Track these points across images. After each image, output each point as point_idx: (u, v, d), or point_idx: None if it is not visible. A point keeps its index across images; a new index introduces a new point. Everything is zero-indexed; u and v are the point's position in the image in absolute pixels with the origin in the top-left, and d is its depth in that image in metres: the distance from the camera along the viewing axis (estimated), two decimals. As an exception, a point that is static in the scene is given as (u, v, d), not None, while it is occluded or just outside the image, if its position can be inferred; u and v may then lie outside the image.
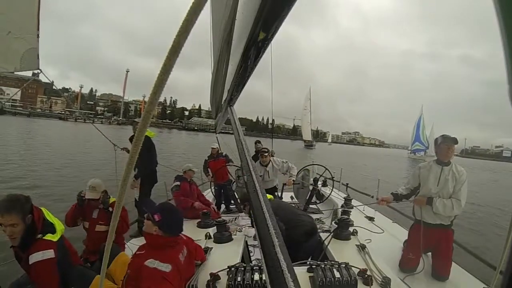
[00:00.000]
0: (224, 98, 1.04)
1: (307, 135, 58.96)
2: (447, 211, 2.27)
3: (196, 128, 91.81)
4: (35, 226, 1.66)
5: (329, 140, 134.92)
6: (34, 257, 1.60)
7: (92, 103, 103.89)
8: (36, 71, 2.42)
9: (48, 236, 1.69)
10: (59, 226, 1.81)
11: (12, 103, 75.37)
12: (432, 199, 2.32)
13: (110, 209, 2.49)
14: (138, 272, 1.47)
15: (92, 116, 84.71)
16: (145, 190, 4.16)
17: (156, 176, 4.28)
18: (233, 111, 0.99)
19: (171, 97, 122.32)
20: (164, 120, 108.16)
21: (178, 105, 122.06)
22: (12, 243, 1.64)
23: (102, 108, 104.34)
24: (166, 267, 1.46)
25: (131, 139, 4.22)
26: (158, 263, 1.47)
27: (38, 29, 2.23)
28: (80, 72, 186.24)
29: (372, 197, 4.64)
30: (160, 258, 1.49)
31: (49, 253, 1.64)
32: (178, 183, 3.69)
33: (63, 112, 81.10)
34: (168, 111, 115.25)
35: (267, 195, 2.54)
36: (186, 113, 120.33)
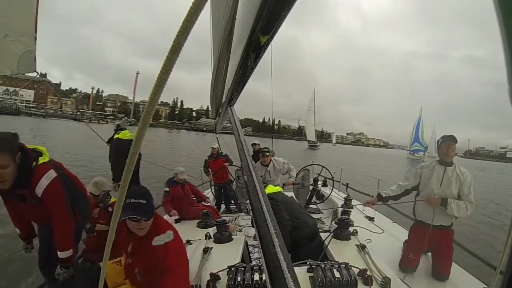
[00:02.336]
0: (224, 97, 1.04)
1: (311, 136, 59.22)
2: (461, 213, 2.24)
3: (204, 129, 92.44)
4: (28, 156, 1.55)
5: (334, 141, 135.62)
6: (42, 184, 1.54)
7: (101, 104, 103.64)
8: (34, 73, 2.40)
9: (41, 160, 1.62)
10: (40, 147, 1.72)
11: (26, 104, 75.54)
12: (447, 200, 2.27)
13: (110, 209, 2.49)
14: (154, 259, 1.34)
15: (103, 116, 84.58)
16: None
17: (137, 177, 4.19)
18: (233, 111, 0.98)
19: (177, 98, 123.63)
20: (172, 121, 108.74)
21: (185, 107, 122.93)
22: (0, 187, 1.50)
23: (111, 109, 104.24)
24: (169, 236, 1.39)
25: (109, 141, 4.26)
26: (163, 237, 1.37)
27: (35, 32, 2.20)
28: (85, 73, 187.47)
29: (372, 197, 4.65)
30: (157, 231, 1.38)
31: (52, 173, 1.60)
32: (167, 189, 3.58)
33: (77, 113, 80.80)
34: (176, 112, 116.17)
35: (276, 187, 2.55)
36: (194, 114, 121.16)
